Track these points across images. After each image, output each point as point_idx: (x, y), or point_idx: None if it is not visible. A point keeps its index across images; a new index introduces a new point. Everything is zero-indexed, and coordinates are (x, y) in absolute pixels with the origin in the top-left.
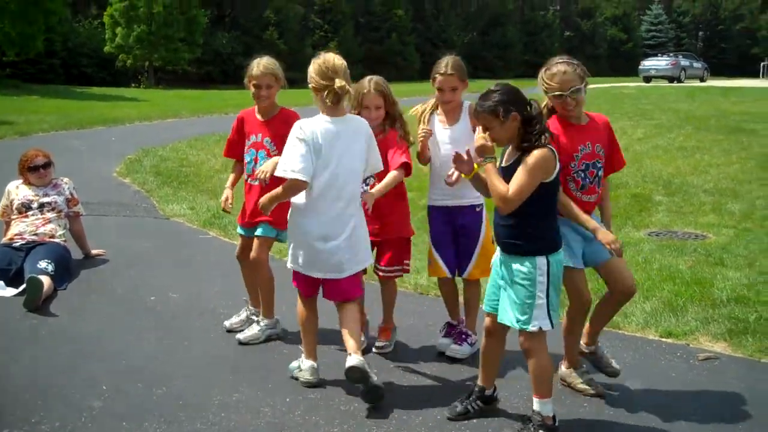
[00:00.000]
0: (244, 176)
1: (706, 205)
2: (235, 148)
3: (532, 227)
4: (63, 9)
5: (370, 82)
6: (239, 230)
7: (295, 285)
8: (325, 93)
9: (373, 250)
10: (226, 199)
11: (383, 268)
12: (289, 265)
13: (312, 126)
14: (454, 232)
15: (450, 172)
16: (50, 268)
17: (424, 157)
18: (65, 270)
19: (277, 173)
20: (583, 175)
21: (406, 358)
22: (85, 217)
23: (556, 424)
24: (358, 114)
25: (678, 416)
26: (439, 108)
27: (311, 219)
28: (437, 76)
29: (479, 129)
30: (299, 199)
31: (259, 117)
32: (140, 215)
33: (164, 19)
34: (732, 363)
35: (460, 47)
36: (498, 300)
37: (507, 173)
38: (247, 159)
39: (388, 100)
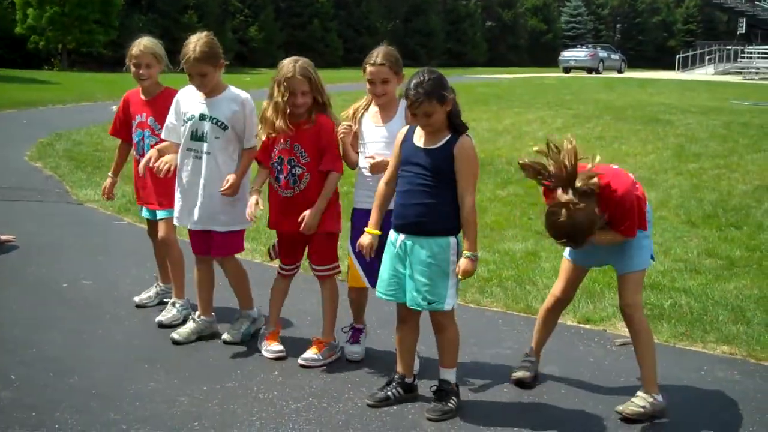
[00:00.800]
0: (133, 154)
1: None
2: (120, 128)
3: (446, 209)
4: None
5: (295, 65)
6: (143, 212)
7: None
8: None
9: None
10: (104, 188)
11: (317, 267)
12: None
13: None
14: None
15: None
16: None
17: (349, 161)
18: None
19: (251, 144)
20: None
21: None
22: None
23: (458, 388)
24: (285, 101)
25: (595, 400)
26: (372, 104)
27: None
28: (367, 66)
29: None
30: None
31: (142, 97)
32: (52, 200)
33: (78, 0)
34: None
35: (383, 34)
36: (398, 288)
37: (438, 154)
38: (135, 139)
39: (314, 86)
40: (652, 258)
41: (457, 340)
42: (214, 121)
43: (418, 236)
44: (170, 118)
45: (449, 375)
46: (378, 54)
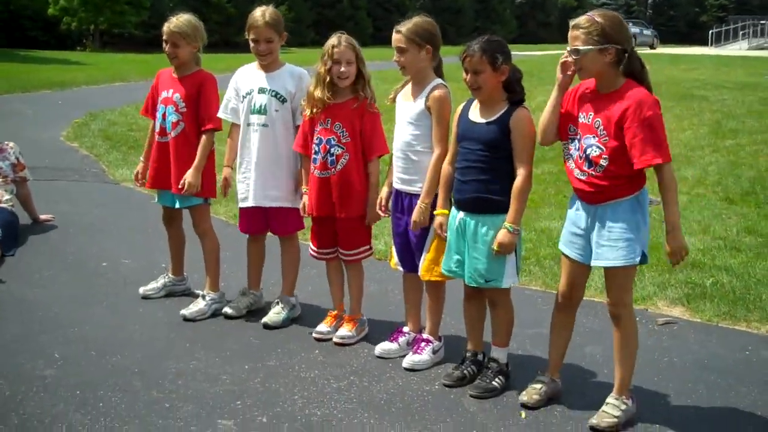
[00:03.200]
0: (155, 132)
1: None
2: (151, 107)
3: (503, 184)
4: None
5: (341, 36)
6: (160, 199)
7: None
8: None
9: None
10: (136, 173)
11: (342, 251)
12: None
13: None
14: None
15: None
16: None
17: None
18: (13, 235)
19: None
20: (576, 144)
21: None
22: (33, 182)
23: (509, 369)
24: (328, 70)
25: (639, 381)
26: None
27: None
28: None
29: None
30: None
31: (174, 74)
32: (89, 180)
33: None
34: (690, 327)
35: (412, 12)
36: (460, 265)
37: (493, 127)
38: (157, 115)
39: (359, 58)
40: (645, 256)
41: (511, 320)
42: (273, 93)
43: (475, 214)
44: (229, 97)
45: (498, 353)
46: (401, 22)
